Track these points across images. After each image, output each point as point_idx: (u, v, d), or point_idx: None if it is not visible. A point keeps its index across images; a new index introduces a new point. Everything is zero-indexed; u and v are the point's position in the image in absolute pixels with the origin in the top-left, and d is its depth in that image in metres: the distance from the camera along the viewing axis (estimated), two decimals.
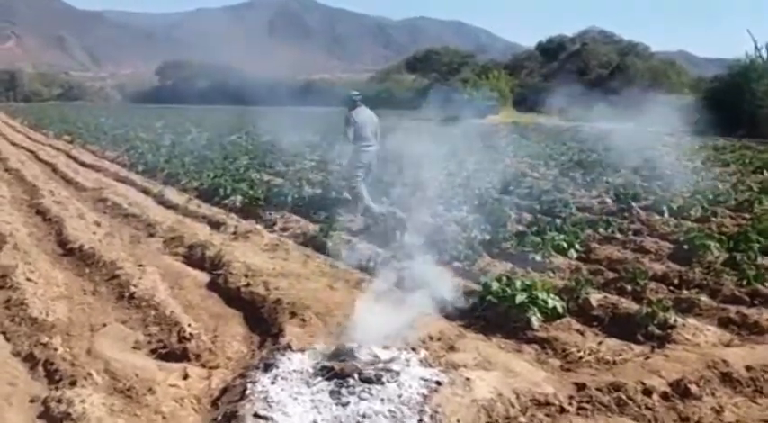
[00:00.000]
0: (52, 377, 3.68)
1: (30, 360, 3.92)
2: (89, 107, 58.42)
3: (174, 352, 4.05)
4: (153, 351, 4.15)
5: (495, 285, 4.85)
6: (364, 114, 8.83)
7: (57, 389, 3.49)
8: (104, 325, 4.58)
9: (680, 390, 3.68)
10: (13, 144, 19.79)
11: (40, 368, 3.80)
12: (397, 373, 3.55)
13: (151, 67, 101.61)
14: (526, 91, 52.30)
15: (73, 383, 3.52)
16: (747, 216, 8.83)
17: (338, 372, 3.51)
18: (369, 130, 8.76)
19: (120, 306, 5.00)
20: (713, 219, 8.55)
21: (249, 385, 3.46)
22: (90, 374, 3.61)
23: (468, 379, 3.57)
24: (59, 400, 3.28)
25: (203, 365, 3.95)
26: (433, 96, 48.93)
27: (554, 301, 4.61)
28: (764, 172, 14.39)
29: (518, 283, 4.76)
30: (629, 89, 49.16)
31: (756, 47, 32.29)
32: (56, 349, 3.95)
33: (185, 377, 3.76)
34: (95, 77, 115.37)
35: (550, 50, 61.43)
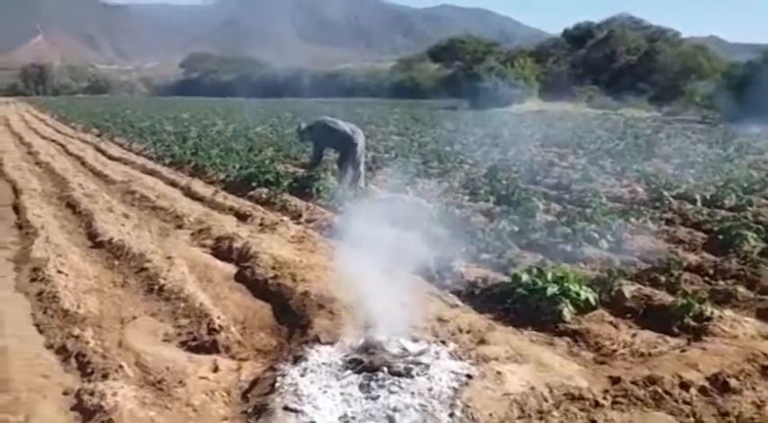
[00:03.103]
0: (84, 370, 3.71)
1: (62, 352, 3.95)
2: (116, 100, 59.25)
3: (203, 344, 4.06)
4: (183, 343, 4.16)
5: (525, 277, 4.77)
6: (331, 119, 9.87)
7: (89, 381, 3.50)
8: (134, 317, 4.61)
9: (718, 384, 3.57)
10: (43, 137, 20.12)
11: (73, 361, 3.82)
12: (427, 367, 3.51)
13: (176, 59, 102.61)
14: (552, 79, 51.64)
15: (105, 376, 3.54)
16: None
17: (367, 365, 3.48)
18: (345, 126, 9.60)
19: (149, 298, 5.02)
20: (749, 208, 8.33)
21: (279, 378, 3.44)
22: (121, 367, 3.62)
23: (499, 372, 3.51)
24: (92, 393, 3.29)
25: (233, 358, 3.95)
26: (458, 86, 48.65)
27: (586, 293, 4.51)
28: None
29: (549, 275, 4.67)
30: (658, 76, 48.43)
31: None
32: (87, 342, 3.98)
33: (215, 369, 3.75)
34: (122, 70, 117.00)
35: (577, 37, 60.52)
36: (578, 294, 4.48)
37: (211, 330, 4.20)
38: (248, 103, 47.15)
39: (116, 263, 5.97)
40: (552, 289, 4.48)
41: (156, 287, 5.15)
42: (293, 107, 38.51)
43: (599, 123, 28.21)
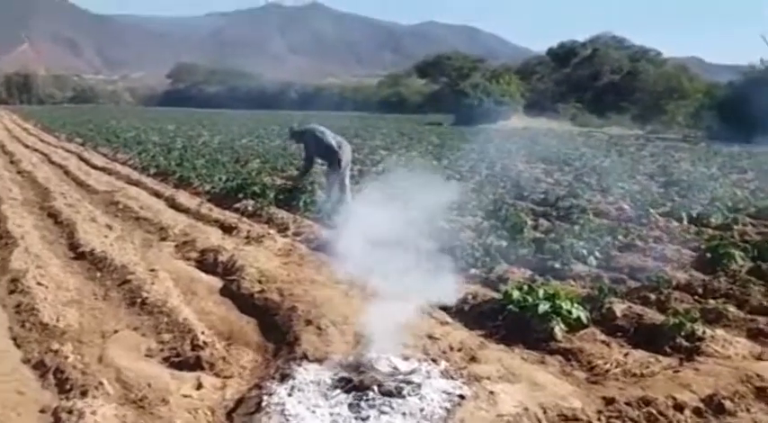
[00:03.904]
0: (63, 386, 3.57)
1: (40, 368, 3.81)
2: (101, 110, 58.76)
3: (187, 361, 3.94)
4: (165, 359, 4.03)
5: (516, 294, 4.71)
6: (321, 129, 9.57)
7: (67, 399, 3.37)
8: (116, 331, 4.48)
9: (713, 405, 3.52)
10: (26, 146, 19.85)
11: (51, 376, 3.69)
12: (419, 386, 3.42)
13: (163, 70, 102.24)
14: (537, 96, 52.07)
15: (84, 393, 3.41)
16: None
17: (357, 384, 3.38)
18: (332, 139, 9.39)
19: (131, 312, 4.89)
20: (735, 226, 8.36)
21: (265, 397, 3.34)
22: (101, 384, 3.49)
23: (492, 392, 3.44)
24: (70, 411, 3.16)
25: (217, 375, 3.83)
26: (444, 102, 48.89)
27: (578, 311, 4.46)
28: None
29: (540, 292, 4.61)
30: (640, 95, 49.07)
31: None
32: (66, 357, 3.84)
33: (199, 387, 3.64)
34: (107, 80, 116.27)
35: (562, 56, 61.12)
36: (570, 312, 4.42)
37: (195, 346, 4.08)
38: (235, 114, 47.03)
39: (98, 275, 5.82)
40: (544, 306, 4.42)
41: (139, 300, 5.02)
42: (280, 120, 38.44)
43: (583, 141, 28.40)
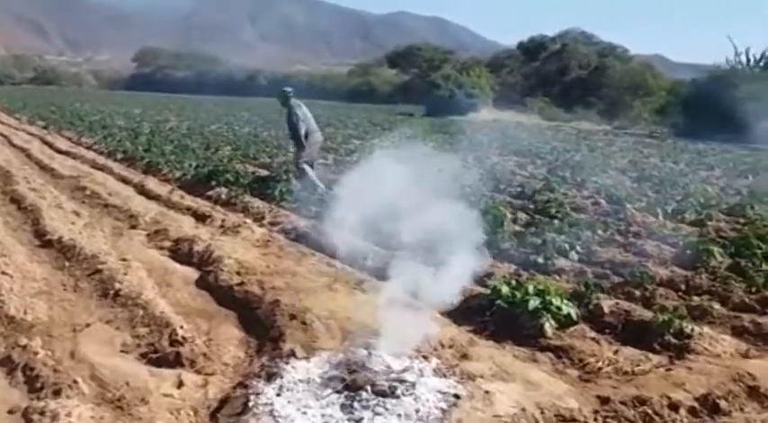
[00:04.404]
0: (33, 385, 3.34)
1: (7, 364, 3.56)
2: (64, 92, 57.04)
3: (166, 357, 3.73)
4: (143, 355, 3.82)
5: (504, 289, 4.62)
6: (303, 108, 9.48)
7: (39, 399, 3.15)
8: (88, 325, 4.23)
9: (708, 405, 3.48)
10: None
11: (19, 374, 3.45)
12: (413, 385, 3.30)
13: (128, 53, 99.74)
14: (506, 89, 52.23)
15: (57, 392, 3.19)
16: (742, 220, 8.76)
17: (349, 383, 3.24)
18: (313, 121, 9.47)
19: (104, 304, 4.64)
20: (708, 222, 8.45)
21: (252, 397, 3.17)
22: (76, 382, 3.28)
23: (487, 392, 3.33)
24: (42, 413, 2.95)
25: (198, 372, 3.64)
26: (414, 93, 48.79)
27: (568, 308, 4.39)
28: (749, 176, 14.45)
29: (530, 288, 4.52)
30: (607, 90, 49.74)
31: (736, 53, 32.77)
32: (36, 353, 3.60)
33: (180, 385, 3.45)
34: (71, 62, 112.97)
35: (531, 50, 61.43)
36: (560, 309, 4.35)
37: (174, 341, 3.88)
38: (202, 100, 46.12)
39: (66, 264, 5.53)
40: (534, 302, 4.34)
41: (112, 292, 4.77)
42: (249, 106, 37.81)
43: (552, 134, 28.60)
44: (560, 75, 56.21)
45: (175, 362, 3.70)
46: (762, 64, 32.33)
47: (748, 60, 32.78)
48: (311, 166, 9.44)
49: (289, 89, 9.67)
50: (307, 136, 9.37)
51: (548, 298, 4.41)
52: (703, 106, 29.30)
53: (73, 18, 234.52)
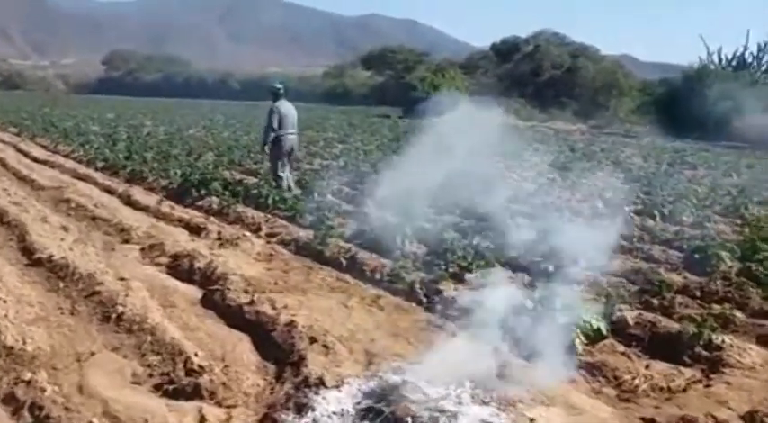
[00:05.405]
0: None
1: (11, 403, 3.27)
2: (31, 97, 55.57)
3: (183, 388, 3.47)
4: (157, 387, 3.55)
5: (529, 303, 4.44)
6: (286, 106, 9.60)
7: None
8: (92, 353, 3.94)
9: None
10: None
11: (26, 413, 3.16)
12: (454, 416, 3.10)
13: (96, 56, 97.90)
14: (481, 91, 52.34)
15: None
16: (739, 222, 8.75)
17: (389, 415, 3.03)
18: (290, 121, 9.53)
19: (106, 329, 4.35)
20: (707, 224, 8.41)
21: None
22: (90, 422, 3.01)
23: (532, 420, 3.15)
24: None
25: (219, 404, 3.39)
26: (389, 94, 48.65)
27: (598, 322, 4.23)
28: (734, 175, 14.56)
29: (557, 301, 4.36)
30: (580, 90, 50.20)
31: (708, 53, 33.27)
32: (43, 389, 3.31)
33: (202, 420, 3.20)
34: (36, 66, 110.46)
35: (504, 51, 61.68)
36: (590, 324, 4.19)
37: (190, 371, 3.62)
38: (173, 103, 45.37)
39: (61, 284, 5.19)
40: (563, 318, 4.17)
41: (114, 315, 4.48)
42: (222, 109, 37.29)
43: (531, 135, 28.60)
44: (534, 75, 56.49)
45: (194, 393, 3.44)
46: (734, 64, 32.87)
47: (720, 60, 33.31)
48: (283, 164, 9.54)
49: (278, 86, 9.85)
50: (276, 139, 9.37)
51: (577, 312, 4.25)
52: (677, 106, 29.69)
53: (37, 22, 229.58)
